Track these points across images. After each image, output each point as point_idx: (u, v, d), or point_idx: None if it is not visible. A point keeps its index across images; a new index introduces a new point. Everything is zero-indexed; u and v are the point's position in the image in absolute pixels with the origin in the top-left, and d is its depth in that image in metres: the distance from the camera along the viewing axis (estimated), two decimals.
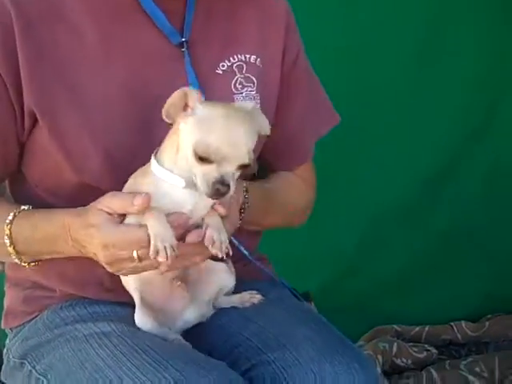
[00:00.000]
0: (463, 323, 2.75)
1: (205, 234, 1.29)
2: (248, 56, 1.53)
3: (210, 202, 1.31)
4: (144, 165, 1.34)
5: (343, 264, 2.64)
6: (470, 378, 2.51)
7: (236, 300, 1.53)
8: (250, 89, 1.52)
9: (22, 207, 1.42)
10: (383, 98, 2.54)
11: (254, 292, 1.54)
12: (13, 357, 1.51)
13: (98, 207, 1.30)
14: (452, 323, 2.76)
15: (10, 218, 1.40)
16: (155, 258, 1.25)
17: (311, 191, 1.72)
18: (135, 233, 1.27)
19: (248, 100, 1.51)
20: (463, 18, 2.56)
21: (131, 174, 1.34)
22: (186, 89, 1.27)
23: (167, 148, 1.31)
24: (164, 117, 1.27)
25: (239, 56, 1.53)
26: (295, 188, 1.66)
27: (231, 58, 1.52)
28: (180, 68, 1.44)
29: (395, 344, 2.60)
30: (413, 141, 2.60)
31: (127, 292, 1.45)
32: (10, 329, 1.59)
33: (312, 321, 1.49)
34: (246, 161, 1.25)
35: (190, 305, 1.47)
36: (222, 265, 1.49)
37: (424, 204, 2.69)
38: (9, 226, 1.40)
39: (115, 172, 1.38)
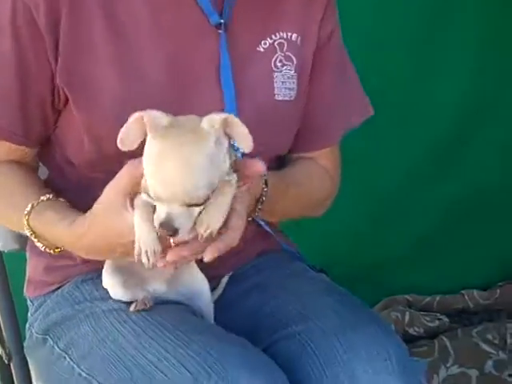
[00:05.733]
0: (475, 292, 2.76)
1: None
2: (290, 34, 1.50)
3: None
4: None
5: (354, 235, 2.63)
6: (482, 344, 2.54)
7: None
8: (288, 68, 1.50)
9: (41, 198, 1.38)
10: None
11: None
12: (36, 332, 1.50)
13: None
14: (463, 292, 2.77)
15: (28, 209, 1.37)
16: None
17: (332, 184, 1.64)
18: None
19: (287, 79, 1.49)
20: None
21: None
22: (142, 113, 1.15)
23: None
24: (119, 145, 1.17)
25: (281, 33, 1.49)
26: (317, 180, 1.59)
27: (273, 36, 1.49)
28: (216, 49, 1.42)
29: (407, 313, 2.61)
30: (425, 107, 2.57)
31: None
32: (31, 301, 1.58)
33: (334, 291, 1.48)
34: (186, 200, 1.11)
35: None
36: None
37: (435, 171, 2.67)
38: (26, 217, 1.36)
39: None
